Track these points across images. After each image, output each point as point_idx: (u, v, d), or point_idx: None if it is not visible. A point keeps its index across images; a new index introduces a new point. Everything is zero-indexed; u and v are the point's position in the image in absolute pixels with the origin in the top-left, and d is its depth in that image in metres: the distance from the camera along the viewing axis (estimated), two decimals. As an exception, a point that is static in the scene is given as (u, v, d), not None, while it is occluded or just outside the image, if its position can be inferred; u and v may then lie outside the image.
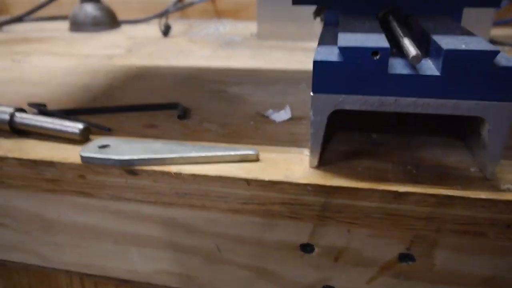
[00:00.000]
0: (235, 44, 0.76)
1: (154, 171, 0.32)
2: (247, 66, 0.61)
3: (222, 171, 0.32)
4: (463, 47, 0.27)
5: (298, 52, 0.69)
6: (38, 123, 0.38)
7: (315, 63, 0.28)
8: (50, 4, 0.96)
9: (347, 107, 0.29)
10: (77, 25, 0.92)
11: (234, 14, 1.00)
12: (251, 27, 0.89)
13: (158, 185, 0.33)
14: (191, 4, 1.01)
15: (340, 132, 0.37)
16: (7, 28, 0.99)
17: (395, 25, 0.36)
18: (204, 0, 1.01)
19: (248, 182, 0.31)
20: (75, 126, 0.37)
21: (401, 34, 0.32)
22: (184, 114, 0.42)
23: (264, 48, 0.72)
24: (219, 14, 1.02)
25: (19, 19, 0.98)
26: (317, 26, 0.70)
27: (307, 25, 0.75)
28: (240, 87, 0.50)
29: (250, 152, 0.33)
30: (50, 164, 0.35)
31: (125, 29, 0.94)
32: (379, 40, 0.29)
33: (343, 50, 0.27)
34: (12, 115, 0.38)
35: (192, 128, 0.39)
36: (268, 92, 0.48)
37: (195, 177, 0.32)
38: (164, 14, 0.95)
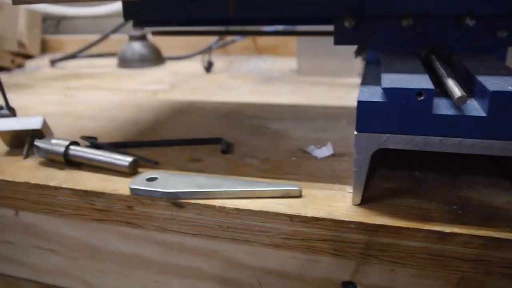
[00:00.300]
0: (275, 80, 0.78)
1: (199, 205, 0.33)
2: (287, 102, 0.62)
3: (265, 206, 0.32)
4: (510, 88, 0.27)
5: (337, 88, 0.70)
6: (90, 156, 0.40)
7: (359, 103, 0.29)
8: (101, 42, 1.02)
9: (391, 146, 0.29)
10: (125, 61, 0.97)
11: (274, 50, 1.03)
12: (291, 63, 0.91)
13: (202, 218, 0.34)
14: (232, 41, 1.05)
15: (383, 169, 0.37)
16: (60, 64, 1.06)
17: (437, 64, 0.36)
18: (245, 37, 1.04)
19: (291, 218, 0.31)
20: (124, 159, 0.39)
21: (445, 74, 0.32)
22: (227, 149, 0.43)
23: (304, 84, 0.73)
24: (259, 50, 1.05)
25: (72, 56, 1.04)
26: (356, 62, 0.71)
27: (346, 61, 0.76)
28: (281, 123, 0.51)
29: (293, 188, 0.34)
30: (100, 194, 0.36)
31: (170, 65, 0.99)
32: (423, 81, 0.29)
33: (388, 91, 0.28)
34: (67, 148, 0.41)
35: (235, 163, 0.40)
36: (309, 128, 0.49)
37: (238, 211, 0.33)
38: (206, 51, 0.98)
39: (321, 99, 0.63)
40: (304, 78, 0.78)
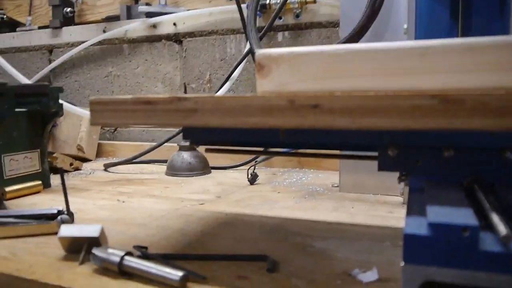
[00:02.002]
0: (318, 195, 0.80)
1: (246, 326, 0.34)
2: (330, 219, 0.63)
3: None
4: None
5: (379, 206, 0.70)
6: (143, 268, 0.42)
7: (406, 236, 0.30)
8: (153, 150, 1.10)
9: (439, 279, 0.30)
10: (174, 169, 1.02)
11: (316, 164, 1.06)
12: (333, 177, 0.94)
13: None
14: (276, 155, 1.10)
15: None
16: (113, 168, 1.13)
17: (481, 196, 0.37)
18: (288, 151, 1.09)
19: None
20: (175, 274, 0.40)
21: (489, 208, 0.34)
22: (273, 267, 0.44)
23: (346, 201, 0.75)
24: (301, 164, 1.08)
25: (125, 162, 1.12)
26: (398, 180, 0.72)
27: (388, 179, 0.77)
28: (325, 242, 0.52)
29: (339, 315, 0.34)
30: (150, 308, 0.38)
31: (215, 174, 1.03)
32: (467, 216, 0.30)
33: (433, 226, 0.29)
34: (122, 258, 0.43)
35: (281, 283, 0.41)
36: (353, 249, 0.50)
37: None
38: (251, 162, 1.03)
39: (363, 218, 0.63)
40: (346, 194, 0.79)
